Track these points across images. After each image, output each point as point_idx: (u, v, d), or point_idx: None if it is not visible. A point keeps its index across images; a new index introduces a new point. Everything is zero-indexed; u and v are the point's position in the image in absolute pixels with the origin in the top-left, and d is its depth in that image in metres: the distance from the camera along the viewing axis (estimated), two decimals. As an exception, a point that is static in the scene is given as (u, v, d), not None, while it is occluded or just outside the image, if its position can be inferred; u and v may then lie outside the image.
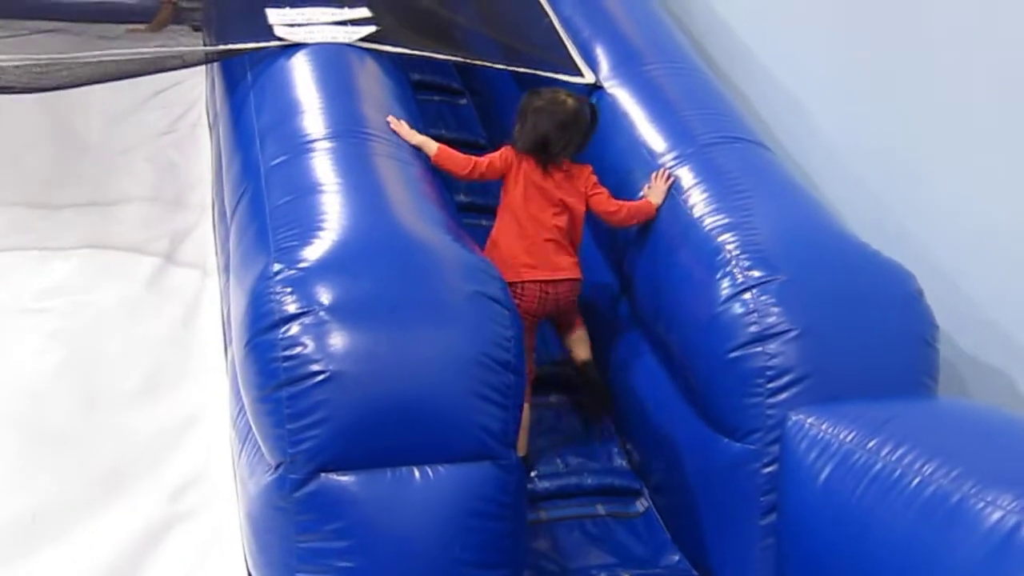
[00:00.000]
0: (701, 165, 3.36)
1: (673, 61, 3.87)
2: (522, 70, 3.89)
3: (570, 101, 3.36)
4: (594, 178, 3.41)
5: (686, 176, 3.35)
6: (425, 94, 4.69)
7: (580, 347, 3.50)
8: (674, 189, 3.33)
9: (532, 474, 3.30)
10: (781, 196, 3.29)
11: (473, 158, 3.46)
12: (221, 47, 3.76)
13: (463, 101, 4.90)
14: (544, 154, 3.35)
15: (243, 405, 2.80)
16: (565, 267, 3.37)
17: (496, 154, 3.42)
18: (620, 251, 3.55)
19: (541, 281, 3.32)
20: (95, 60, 3.78)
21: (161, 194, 4.24)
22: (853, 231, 3.28)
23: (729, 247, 3.02)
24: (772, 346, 2.83)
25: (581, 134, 3.38)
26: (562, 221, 3.36)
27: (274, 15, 3.73)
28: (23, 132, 4.47)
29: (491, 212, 4.22)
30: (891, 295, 3.01)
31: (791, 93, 4.08)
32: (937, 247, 3.39)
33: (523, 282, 3.30)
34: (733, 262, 2.98)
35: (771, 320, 2.85)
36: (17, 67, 3.78)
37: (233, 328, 2.94)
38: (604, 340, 3.57)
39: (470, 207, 4.14)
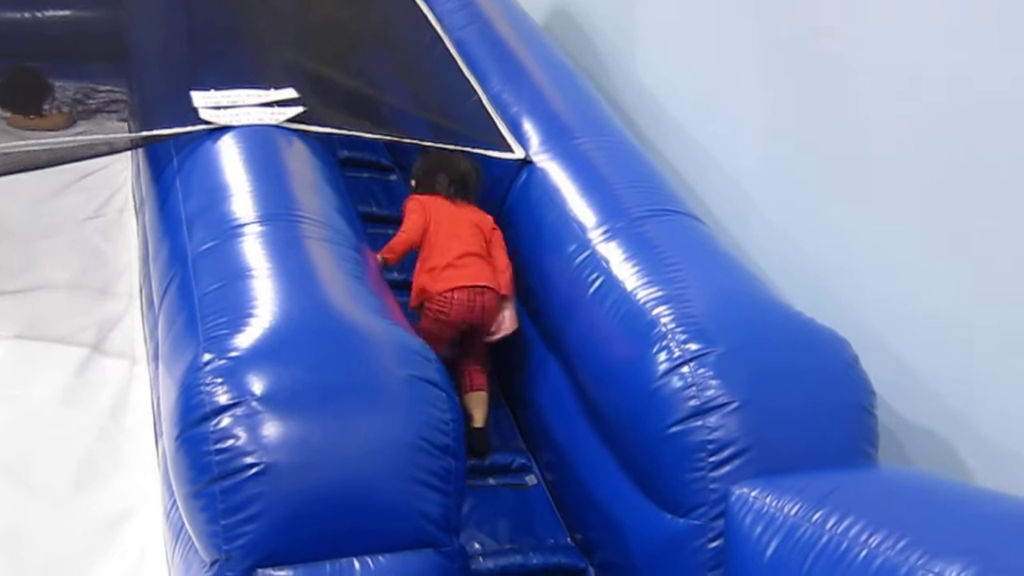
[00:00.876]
0: (633, 238, 3.36)
1: (603, 135, 3.88)
2: (451, 147, 3.87)
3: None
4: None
5: (618, 250, 3.34)
6: (354, 171, 4.66)
7: (478, 410, 3.58)
8: (605, 261, 3.32)
9: (476, 548, 3.25)
10: (714, 267, 3.29)
11: (401, 234, 3.63)
12: (146, 133, 3.71)
13: (393, 177, 4.87)
14: (448, 187, 3.69)
15: (175, 500, 2.72)
16: (488, 277, 3.54)
17: (409, 209, 3.69)
18: (552, 321, 3.53)
19: (469, 287, 3.50)
20: (19, 150, 3.71)
21: (87, 281, 4.14)
22: (787, 300, 3.29)
23: (664, 320, 3.00)
24: (712, 419, 2.81)
25: (475, 173, 3.77)
26: (480, 239, 3.60)
27: (199, 98, 3.68)
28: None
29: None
30: (827, 363, 3.01)
31: (723, 167, 4.11)
32: (870, 313, 3.42)
33: (452, 289, 3.48)
34: (669, 336, 2.96)
35: (710, 393, 2.83)
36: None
37: (163, 420, 2.87)
38: (537, 407, 3.56)
39: (403, 284, 4.09)
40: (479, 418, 3.55)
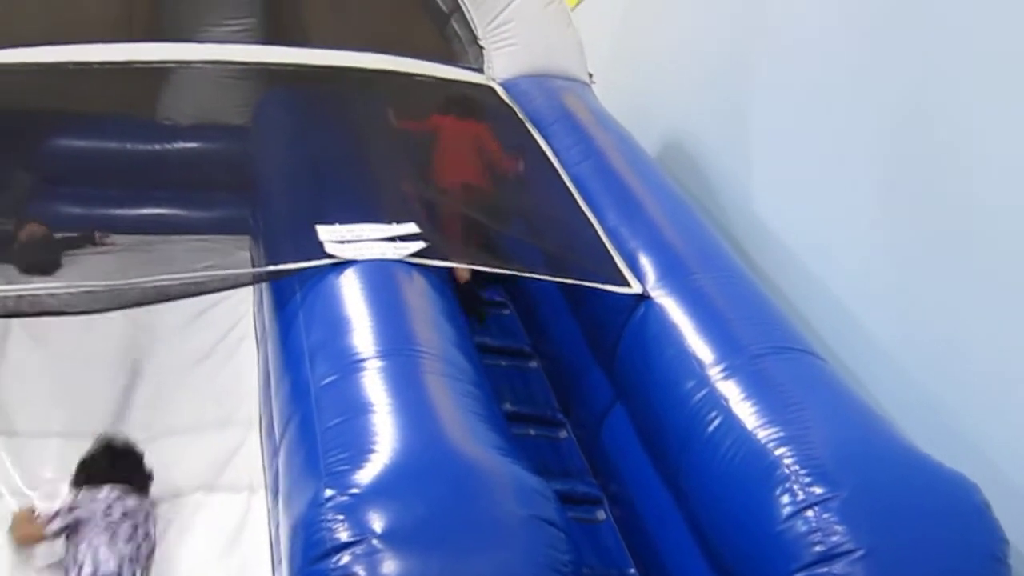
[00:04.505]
0: (752, 376, 3.32)
1: (720, 269, 3.88)
2: (569, 281, 3.90)
3: None
4: None
5: (737, 388, 3.30)
6: (469, 303, 4.72)
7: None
8: (725, 399, 3.28)
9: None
10: (837, 407, 3.23)
11: None
12: (273, 268, 3.80)
13: (506, 311, 4.93)
14: None
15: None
16: None
17: None
18: (668, 458, 3.49)
19: None
20: (149, 284, 3.84)
21: (208, 411, 4.21)
22: (912, 440, 3.21)
23: (787, 461, 2.95)
24: (838, 567, 2.74)
25: None
26: None
27: (324, 232, 3.77)
28: (73, 354, 4.50)
29: (540, 421, 4.23)
30: (956, 509, 2.92)
31: (840, 299, 4.08)
32: (1002, 456, 3.31)
33: None
34: (792, 478, 2.90)
35: (836, 539, 2.76)
36: (71, 294, 3.85)
37: (282, 553, 2.89)
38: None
39: (516, 416, 4.11)
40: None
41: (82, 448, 3.73)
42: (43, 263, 5.00)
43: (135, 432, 3.93)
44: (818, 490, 2.84)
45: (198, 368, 4.47)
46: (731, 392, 3.30)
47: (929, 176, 3.69)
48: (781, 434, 3.06)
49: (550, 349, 4.57)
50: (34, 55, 4.79)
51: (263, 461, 3.88)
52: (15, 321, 4.38)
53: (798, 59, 4.45)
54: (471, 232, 4.40)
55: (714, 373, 3.39)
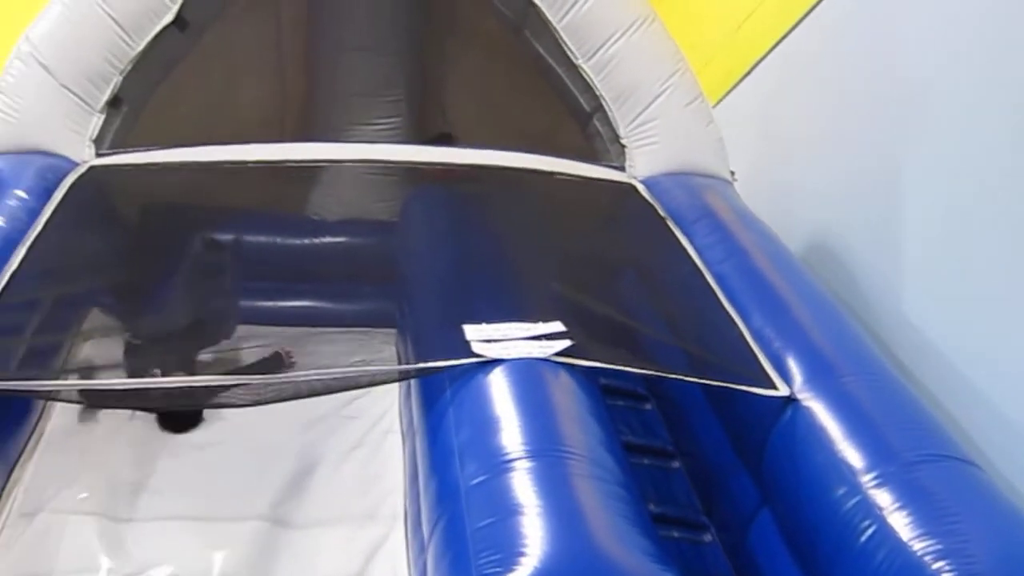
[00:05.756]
0: (907, 485, 3.24)
1: (870, 373, 3.80)
2: (713, 383, 3.88)
3: None
4: None
5: (890, 496, 3.23)
6: (610, 399, 4.71)
7: None
8: (878, 508, 3.21)
9: None
10: (997, 519, 3.13)
11: None
12: (422, 365, 3.88)
13: (648, 406, 4.91)
14: None
15: None
16: None
17: None
18: (817, 567, 3.41)
19: None
20: (291, 380, 3.94)
21: (352, 509, 4.28)
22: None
23: (946, 576, 2.87)
24: None
25: None
26: None
27: (471, 331, 3.83)
28: (208, 445, 4.63)
29: (683, 524, 4.19)
30: None
31: (1004, 411, 3.96)
32: None
33: None
34: (953, 594, 2.82)
35: (1003, 663, 2.67)
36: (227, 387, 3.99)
37: (432, 655, 2.91)
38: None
39: (659, 518, 4.08)
40: None
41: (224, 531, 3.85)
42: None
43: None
44: (982, 608, 2.76)
45: (346, 459, 4.55)
46: (884, 501, 3.22)
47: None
48: (939, 546, 2.97)
49: (693, 448, 4.53)
50: (191, 155, 5.03)
51: (407, 557, 3.92)
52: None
53: (960, 160, 4.36)
54: (615, 331, 4.41)
55: (866, 480, 3.32)
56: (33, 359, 4.38)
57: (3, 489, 4.16)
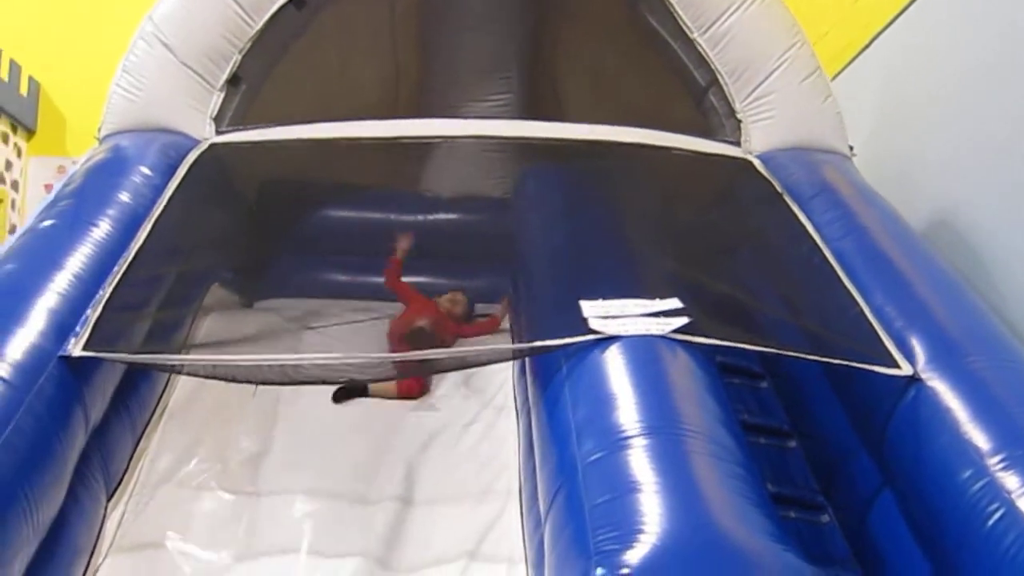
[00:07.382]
0: (1037, 469, 3.16)
1: (996, 353, 3.70)
2: (834, 361, 3.81)
3: None
4: None
5: (1018, 480, 3.13)
6: (726, 377, 4.65)
7: None
8: (1006, 492, 3.12)
9: None
10: None
11: None
12: (539, 343, 3.87)
13: (763, 385, 4.84)
14: None
15: None
16: None
17: None
18: (942, 548, 3.34)
19: None
20: (418, 358, 3.97)
21: (467, 486, 4.31)
22: None
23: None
24: None
25: None
26: None
27: (588, 307, 3.81)
28: (328, 422, 4.70)
29: (800, 504, 4.13)
30: None
31: None
32: None
33: None
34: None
35: None
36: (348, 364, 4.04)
37: (549, 630, 2.92)
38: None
39: (776, 497, 4.02)
40: None
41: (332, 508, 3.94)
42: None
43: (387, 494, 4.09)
44: None
45: (461, 437, 4.58)
46: (1012, 484, 3.13)
47: None
48: (1078, 533, 2.89)
49: (810, 428, 4.46)
50: (308, 132, 5.10)
51: (523, 533, 3.93)
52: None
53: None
54: (732, 308, 4.35)
55: (993, 463, 3.23)
56: (160, 332, 4.49)
57: (131, 458, 4.27)
